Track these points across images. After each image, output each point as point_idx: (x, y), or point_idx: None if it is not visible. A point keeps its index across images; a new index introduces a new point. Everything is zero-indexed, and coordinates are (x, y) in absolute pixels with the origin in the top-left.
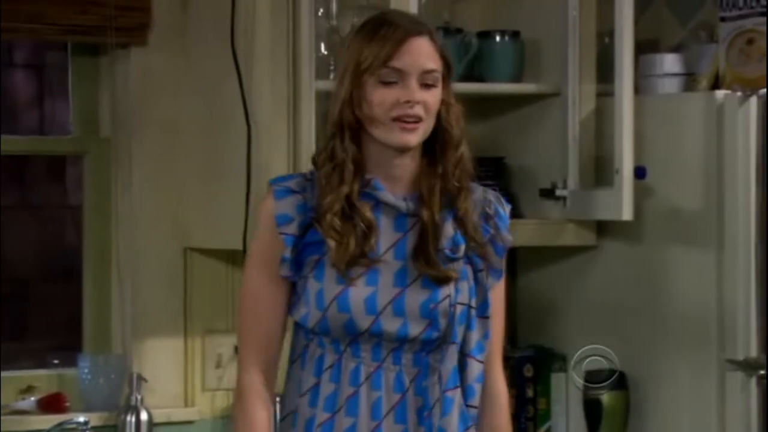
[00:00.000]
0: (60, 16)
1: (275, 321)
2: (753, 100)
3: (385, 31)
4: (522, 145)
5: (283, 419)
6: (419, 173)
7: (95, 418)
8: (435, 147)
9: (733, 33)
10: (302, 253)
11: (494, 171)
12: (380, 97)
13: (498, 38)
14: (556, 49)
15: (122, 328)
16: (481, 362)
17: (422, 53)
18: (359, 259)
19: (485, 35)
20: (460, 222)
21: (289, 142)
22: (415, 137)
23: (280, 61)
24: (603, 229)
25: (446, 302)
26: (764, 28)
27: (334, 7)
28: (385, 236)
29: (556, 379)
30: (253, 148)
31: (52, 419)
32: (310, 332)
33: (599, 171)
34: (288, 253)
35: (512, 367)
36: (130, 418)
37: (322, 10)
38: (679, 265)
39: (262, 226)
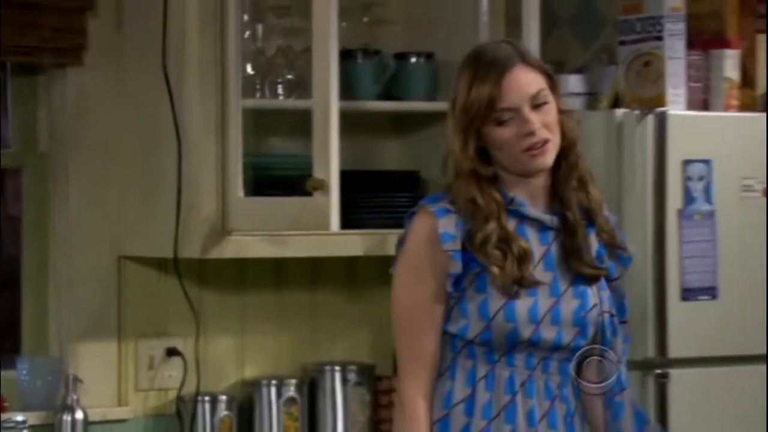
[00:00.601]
0: None
1: (436, 335)
2: (650, 118)
3: (484, 73)
4: (436, 160)
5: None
6: (554, 186)
7: (33, 417)
8: (560, 159)
9: (631, 56)
10: (462, 269)
11: (410, 183)
12: (502, 137)
13: (413, 59)
14: None
15: (59, 331)
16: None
17: (522, 82)
18: (520, 281)
19: (402, 56)
20: (600, 233)
21: (217, 157)
22: (548, 157)
23: (208, 81)
24: None
25: (595, 310)
26: (660, 52)
27: (259, 29)
28: (535, 247)
29: None
30: (184, 162)
31: None
32: (460, 343)
33: None
34: (458, 269)
35: None
36: (67, 417)
37: (248, 33)
38: None
39: (421, 243)
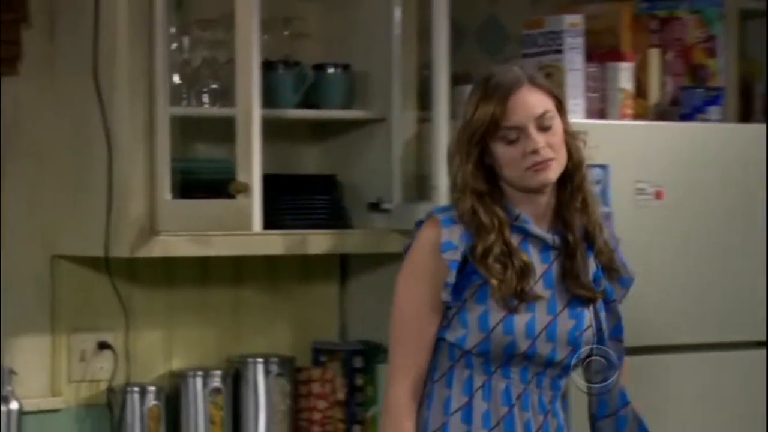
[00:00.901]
0: None
1: (429, 342)
2: None
3: (490, 93)
4: (352, 164)
5: None
6: (558, 206)
7: None
8: (566, 180)
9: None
10: (463, 279)
11: (327, 186)
12: (508, 156)
13: (331, 70)
14: (382, 80)
15: None
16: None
17: (529, 103)
18: (520, 294)
19: (320, 68)
20: (598, 255)
21: (146, 161)
22: (552, 173)
23: (137, 90)
24: None
25: (590, 331)
26: (560, 64)
27: (186, 42)
28: (536, 264)
29: (382, 369)
30: (114, 167)
31: None
32: (458, 353)
33: (420, 186)
34: (452, 278)
35: (343, 360)
36: (2, 408)
37: (175, 45)
38: None
39: (424, 251)
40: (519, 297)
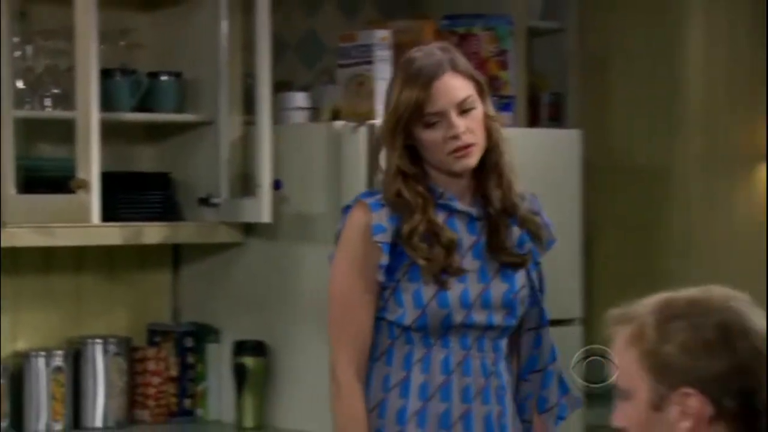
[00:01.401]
0: None
1: (369, 323)
2: (363, 129)
3: (413, 79)
4: (183, 163)
5: (369, 412)
6: (480, 179)
7: None
8: (485, 159)
9: (347, 77)
10: (395, 260)
11: (161, 183)
12: (430, 139)
13: (164, 77)
14: (210, 87)
15: None
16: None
17: (450, 88)
18: (448, 270)
19: (153, 75)
20: (522, 222)
21: None
22: (472, 159)
23: None
24: (249, 229)
25: (524, 291)
26: (371, 74)
27: (29, 50)
28: (464, 238)
29: (211, 348)
30: None
31: None
32: (397, 330)
33: (246, 183)
34: (385, 260)
35: (176, 340)
36: None
37: (19, 53)
38: (308, 256)
39: (355, 236)
40: (447, 272)
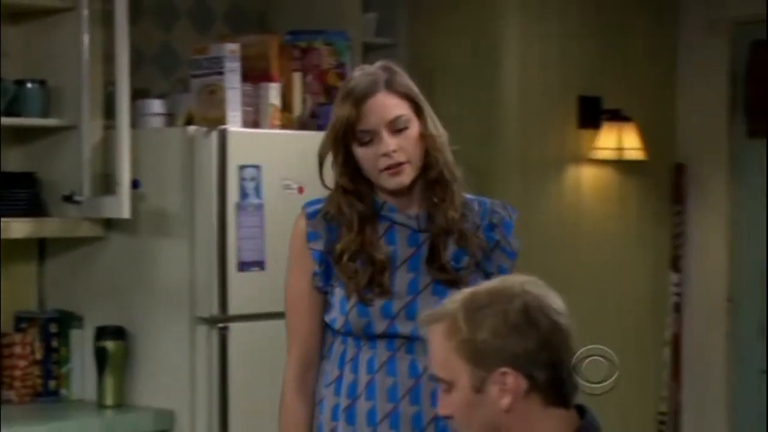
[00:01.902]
0: None
1: (314, 323)
2: (214, 134)
3: (347, 96)
4: (49, 163)
5: (315, 407)
6: (424, 191)
7: None
8: (425, 176)
9: (200, 86)
10: (329, 267)
11: (28, 182)
12: (363, 156)
13: (30, 85)
14: (74, 94)
15: None
16: None
17: (381, 107)
18: (373, 287)
19: (20, 83)
20: (460, 238)
21: None
22: (405, 177)
23: None
24: (109, 224)
25: None
26: (222, 83)
27: None
28: (401, 250)
29: (74, 334)
30: None
31: None
32: (335, 331)
33: (106, 183)
34: (317, 268)
35: (41, 326)
36: None
37: None
38: (163, 250)
39: (296, 242)
40: (372, 290)
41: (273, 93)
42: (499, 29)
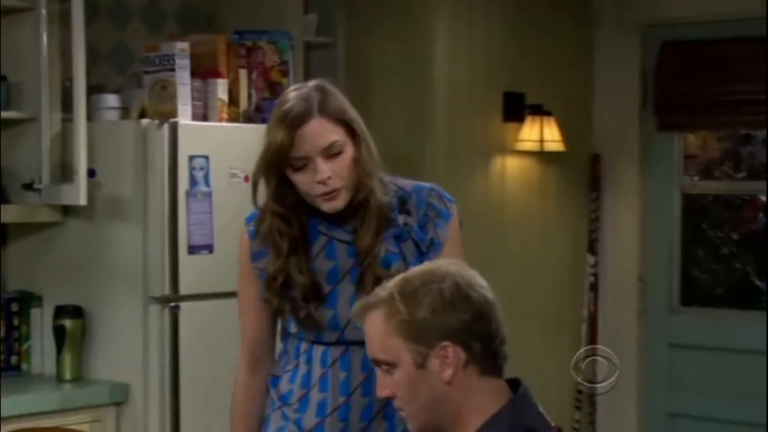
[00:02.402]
0: None
1: (261, 323)
2: (166, 126)
3: (279, 122)
4: (11, 153)
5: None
6: (356, 206)
7: None
8: (355, 195)
9: (153, 81)
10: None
11: None
12: (299, 181)
13: None
14: (33, 88)
15: None
16: None
17: (314, 135)
18: (313, 304)
19: None
20: (397, 239)
21: None
22: (340, 202)
23: None
24: (67, 211)
25: None
26: (173, 79)
27: None
28: (341, 262)
29: (34, 313)
30: None
31: None
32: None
33: (64, 171)
34: (262, 290)
35: (3, 305)
36: None
37: None
38: (118, 234)
39: (242, 255)
40: (313, 306)
41: (221, 88)
42: (430, 30)
